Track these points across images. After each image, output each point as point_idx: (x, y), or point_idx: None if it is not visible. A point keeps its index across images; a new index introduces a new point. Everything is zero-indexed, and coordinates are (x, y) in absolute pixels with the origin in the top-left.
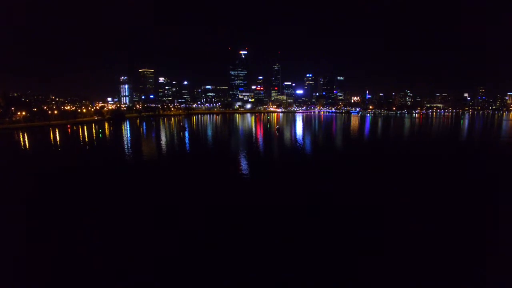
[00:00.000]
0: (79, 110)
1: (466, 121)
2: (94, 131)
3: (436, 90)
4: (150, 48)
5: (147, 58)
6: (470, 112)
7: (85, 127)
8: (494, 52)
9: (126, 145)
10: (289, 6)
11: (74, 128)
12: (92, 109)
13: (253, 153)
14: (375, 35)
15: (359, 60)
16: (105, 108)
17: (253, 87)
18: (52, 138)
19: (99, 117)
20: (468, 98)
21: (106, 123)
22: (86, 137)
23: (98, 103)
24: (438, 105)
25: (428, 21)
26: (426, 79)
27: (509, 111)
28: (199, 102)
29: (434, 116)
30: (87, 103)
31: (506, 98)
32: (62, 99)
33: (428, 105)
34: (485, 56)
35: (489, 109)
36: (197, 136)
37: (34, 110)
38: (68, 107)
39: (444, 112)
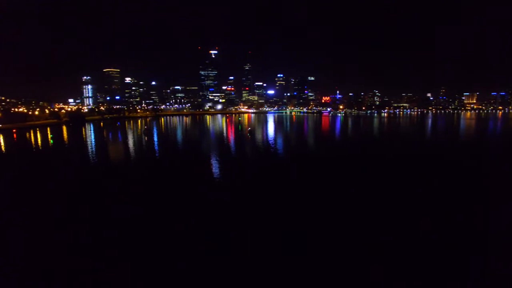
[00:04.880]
0: (30, 113)
1: (430, 120)
2: (42, 136)
3: (402, 90)
4: (116, 46)
5: (112, 58)
6: (434, 111)
7: (37, 131)
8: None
9: (74, 152)
10: (262, 6)
11: (27, 134)
12: (48, 111)
13: (222, 158)
14: (346, 36)
15: (330, 60)
16: (63, 110)
17: (224, 87)
18: None
19: (55, 120)
20: (431, 98)
21: (63, 127)
22: (25, 143)
23: (57, 105)
24: (404, 104)
25: (393, 20)
26: (393, 79)
27: (466, 110)
28: (168, 103)
29: (401, 115)
30: (45, 104)
31: (463, 98)
32: (14, 100)
33: (396, 105)
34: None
35: (450, 108)
36: (162, 139)
37: None
38: (22, 109)
39: (410, 111)
